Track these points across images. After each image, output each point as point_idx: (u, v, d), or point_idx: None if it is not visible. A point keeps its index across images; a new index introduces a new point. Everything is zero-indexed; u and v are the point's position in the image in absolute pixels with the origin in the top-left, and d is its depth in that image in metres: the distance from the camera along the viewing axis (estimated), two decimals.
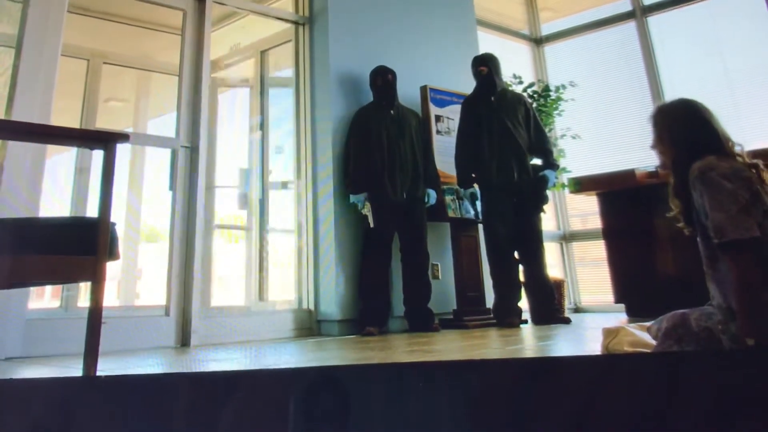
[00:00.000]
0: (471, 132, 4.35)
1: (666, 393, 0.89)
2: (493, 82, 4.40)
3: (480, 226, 4.57)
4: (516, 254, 4.28)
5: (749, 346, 1.72)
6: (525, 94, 5.05)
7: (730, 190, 1.72)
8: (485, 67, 4.42)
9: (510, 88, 4.86)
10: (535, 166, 4.42)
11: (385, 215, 4.05)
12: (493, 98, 4.37)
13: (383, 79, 4.29)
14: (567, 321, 4.14)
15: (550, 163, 4.40)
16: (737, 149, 1.91)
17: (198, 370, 2.56)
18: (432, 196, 4.27)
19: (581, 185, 4.61)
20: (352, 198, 4.10)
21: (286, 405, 0.93)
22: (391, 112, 4.26)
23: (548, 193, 4.45)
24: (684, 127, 1.95)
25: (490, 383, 0.94)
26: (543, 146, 4.43)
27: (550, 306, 4.22)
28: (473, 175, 4.34)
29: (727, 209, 1.71)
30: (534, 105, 4.88)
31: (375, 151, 4.13)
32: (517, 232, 4.25)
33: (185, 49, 3.92)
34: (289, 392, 0.94)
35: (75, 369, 2.46)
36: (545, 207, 4.39)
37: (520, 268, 4.29)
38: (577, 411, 0.90)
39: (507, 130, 4.28)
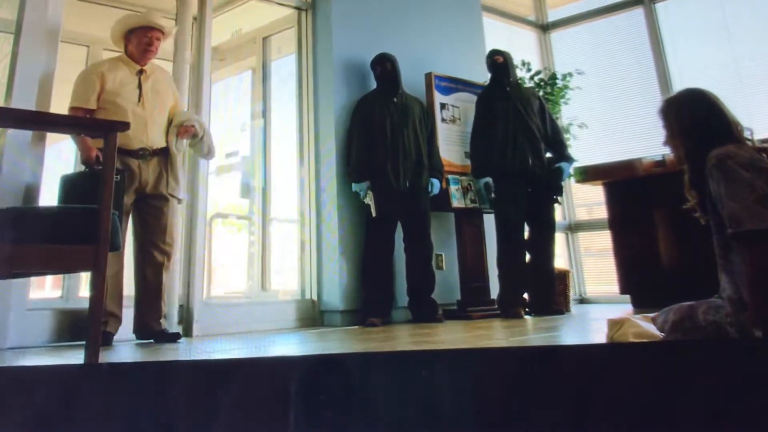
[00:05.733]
0: (486, 122, 4.36)
1: (670, 382, 0.88)
2: (508, 70, 4.43)
3: (485, 216, 4.56)
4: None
5: (756, 337, 1.70)
6: (533, 83, 5.04)
7: (748, 179, 1.69)
8: (500, 56, 4.46)
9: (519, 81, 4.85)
10: (549, 159, 4.43)
11: (388, 204, 4.01)
12: (508, 88, 4.38)
13: (382, 68, 4.25)
14: (562, 312, 4.21)
15: (566, 156, 4.43)
16: (746, 134, 1.88)
17: (200, 358, 2.55)
18: (435, 185, 4.23)
19: (587, 175, 4.58)
20: (354, 187, 4.07)
21: (288, 392, 0.92)
22: (395, 99, 4.21)
23: (562, 184, 4.46)
24: (694, 117, 1.92)
25: (494, 371, 0.93)
26: (558, 139, 4.48)
27: (549, 297, 4.24)
28: (488, 165, 4.34)
29: (743, 199, 1.68)
30: (540, 93, 4.86)
31: (378, 139, 4.09)
32: (530, 220, 4.27)
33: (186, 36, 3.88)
34: (291, 380, 0.93)
35: (76, 358, 2.46)
36: (559, 198, 4.43)
37: (527, 257, 4.30)
38: (581, 399, 0.89)
39: (521, 117, 4.30)
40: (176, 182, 3.31)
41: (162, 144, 3.29)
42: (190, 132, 3.32)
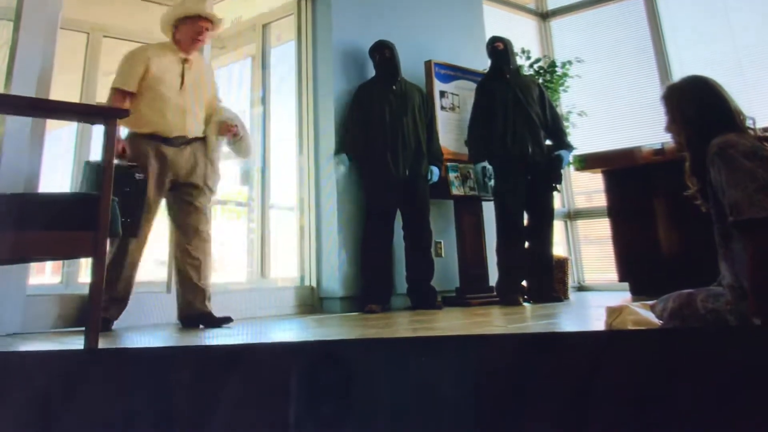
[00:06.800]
0: (485, 108, 4.35)
1: (668, 369, 0.88)
2: (508, 58, 4.42)
3: (484, 204, 4.56)
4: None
5: (755, 324, 1.71)
6: (533, 71, 5.02)
7: (749, 168, 1.69)
8: (501, 42, 4.44)
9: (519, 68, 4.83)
10: (549, 147, 4.42)
11: (387, 192, 4.01)
12: (508, 75, 4.37)
13: (381, 55, 4.24)
14: (560, 299, 4.23)
15: (565, 144, 4.43)
16: (748, 123, 1.88)
17: (199, 344, 2.56)
18: (435, 172, 4.23)
19: (586, 162, 4.57)
20: (338, 157, 4.10)
21: (288, 379, 0.92)
22: (394, 87, 4.20)
23: (561, 172, 4.46)
24: (695, 105, 1.91)
25: (492, 358, 0.94)
26: (557, 127, 4.47)
27: (548, 284, 4.26)
28: (485, 150, 4.34)
29: (744, 187, 1.68)
30: (540, 81, 4.85)
31: (377, 127, 4.08)
32: (529, 208, 4.28)
33: None
34: (291, 366, 0.93)
35: (76, 344, 2.46)
36: (558, 186, 4.42)
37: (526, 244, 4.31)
38: (580, 385, 0.89)
39: (521, 104, 4.29)
40: (215, 174, 3.30)
41: (198, 134, 3.26)
42: (233, 131, 3.28)
